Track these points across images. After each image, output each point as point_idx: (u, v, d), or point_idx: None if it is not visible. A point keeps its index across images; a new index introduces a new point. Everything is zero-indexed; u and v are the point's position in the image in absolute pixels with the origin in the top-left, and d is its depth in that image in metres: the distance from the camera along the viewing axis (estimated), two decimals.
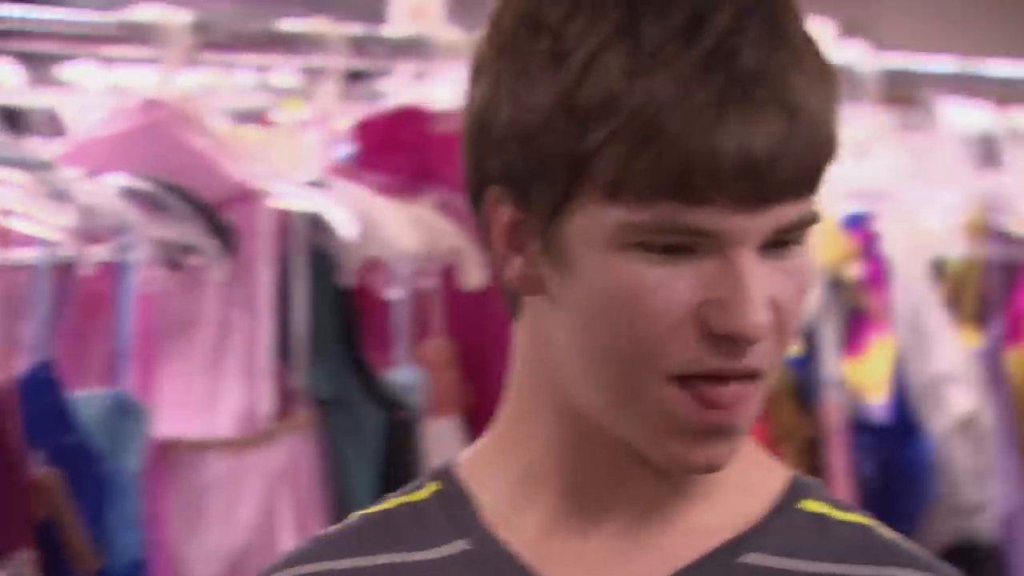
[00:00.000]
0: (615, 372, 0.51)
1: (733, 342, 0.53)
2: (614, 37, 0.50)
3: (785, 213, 0.49)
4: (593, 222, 0.53)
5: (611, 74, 0.52)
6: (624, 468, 0.61)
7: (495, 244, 0.54)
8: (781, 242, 0.50)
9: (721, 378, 0.49)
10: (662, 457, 0.57)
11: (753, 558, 0.60)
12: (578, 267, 0.53)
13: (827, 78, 0.53)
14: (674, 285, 0.53)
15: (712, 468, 0.54)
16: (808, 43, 0.55)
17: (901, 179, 1.12)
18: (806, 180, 0.50)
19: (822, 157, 0.49)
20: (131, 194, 0.86)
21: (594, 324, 0.52)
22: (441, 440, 0.95)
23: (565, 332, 0.53)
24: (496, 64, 0.52)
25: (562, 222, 0.51)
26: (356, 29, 0.94)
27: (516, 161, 0.52)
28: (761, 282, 0.53)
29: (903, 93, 1.18)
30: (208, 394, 0.87)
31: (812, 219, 0.49)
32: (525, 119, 0.50)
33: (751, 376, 0.50)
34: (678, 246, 0.49)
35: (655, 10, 0.51)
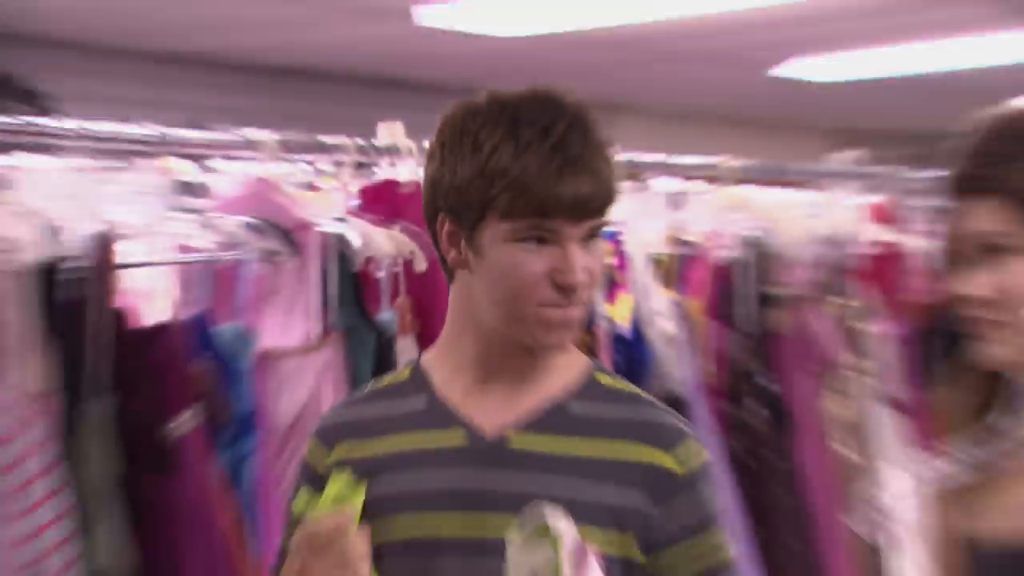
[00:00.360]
0: (508, 307, 0.93)
1: (567, 289, 0.92)
2: (505, 137, 0.90)
3: (593, 224, 0.92)
4: (495, 229, 0.91)
5: (504, 157, 0.89)
6: (509, 355, 0.98)
7: (441, 244, 0.97)
8: (590, 238, 0.93)
9: (562, 305, 0.93)
10: (534, 341, 0.95)
11: (574, 406, 1.00)
12: (487, 254, 0.93)
13: (611, 159, 0.94)
14: (537, 261, 0.91)
15: (561, 346, 0.96)
16: (603, 141, 0.94)
17: (635, 215, 1.93)
18: (602, 208, 0.93)
19: (609, 198, 0.93)
20: (248, 225, 1.65)
21: (496, 283, 0.94)
22: (405, 350, 1.69)
23: (480, 289, 0.95)
24: (441, 152, 0.95)
25: (478, 230, 0.92)
26: (360, 142, 1.74)
27: (454, 201, 0.93)
28: (580, 259, 0.92)
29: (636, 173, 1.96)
30: (285, 325, 1.62)
31: (604, 226, 0.95)
32: (459, 180, 0.92)
33: (575, 305, 0.93)
34: (539, 240, 0.90)
35: (525, 123, 0.90)
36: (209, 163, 1.77)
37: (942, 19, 4.85)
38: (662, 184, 2.10)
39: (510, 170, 0.90)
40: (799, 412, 2.16)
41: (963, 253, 0.93)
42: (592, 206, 0.95)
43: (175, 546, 1.52)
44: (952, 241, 0.96)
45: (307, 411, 1.60)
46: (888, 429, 2.29)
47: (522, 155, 0.91)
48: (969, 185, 0.92)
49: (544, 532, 0.89)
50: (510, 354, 0.99)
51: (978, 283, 0.91)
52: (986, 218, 0.91)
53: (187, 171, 1.74)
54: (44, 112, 3.58)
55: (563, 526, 0.89)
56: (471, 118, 0.95)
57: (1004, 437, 0.97)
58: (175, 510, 1.53)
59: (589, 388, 1.04)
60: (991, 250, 0.90)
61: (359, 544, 0.93)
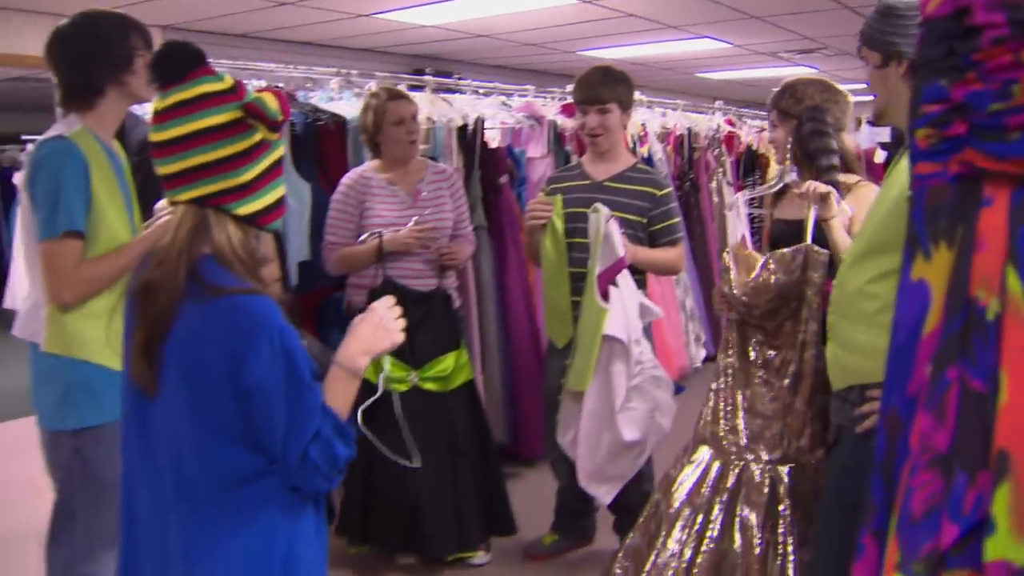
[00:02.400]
0: None
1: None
2: None
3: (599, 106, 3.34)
4: None
5: None
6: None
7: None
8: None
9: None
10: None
11: (628, 172, 3.34)
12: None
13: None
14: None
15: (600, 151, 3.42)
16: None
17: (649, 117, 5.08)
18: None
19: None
20: (524, 116, 4.96)
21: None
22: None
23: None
24: None
25: None
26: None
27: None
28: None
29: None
30: (534, 148, 4.88)
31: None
32: None
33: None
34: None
35: None
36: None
37: None
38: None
39: None
40: None
41: None
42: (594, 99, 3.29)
43: (500, 219, 4.79)
44: None
45: (546, 175, 4.89)
46: None
47: None
48: None
49: (596, 210, 3.04)
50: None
51: None
52: None
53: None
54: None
55: (604, 208, 3.04)
56: None
57: None
58: (502, 209, 4.81)
59: (634, 167, 3.37)
60: None
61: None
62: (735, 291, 2.78)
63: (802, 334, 2.68)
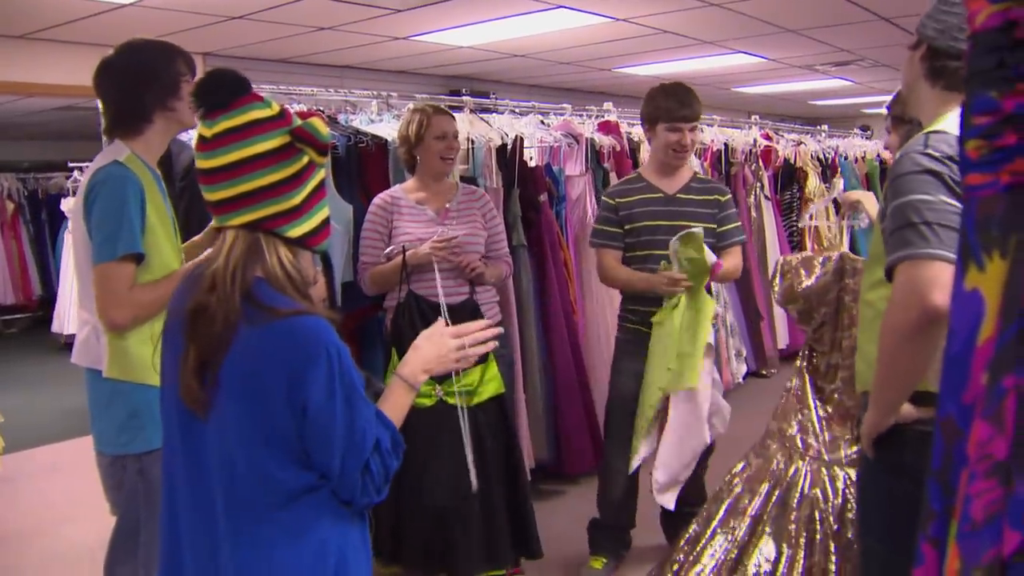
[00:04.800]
0: None
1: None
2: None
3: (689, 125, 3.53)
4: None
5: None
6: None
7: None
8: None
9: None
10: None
11: (693, 183, 3.54)
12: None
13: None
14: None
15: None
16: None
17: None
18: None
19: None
20: (561, 134, 4.99)
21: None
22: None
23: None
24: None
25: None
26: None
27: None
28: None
29: None
30: (572, 167, 4.91)
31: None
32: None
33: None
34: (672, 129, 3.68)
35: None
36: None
37: None
38: None
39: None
40: None
41: None
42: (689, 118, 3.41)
43: (541, 237, 4.83)
44: None
45: (585, 193, 4.91)
46: None
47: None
48: None
49: (690, 230, 3.20)
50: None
51: None
52: None
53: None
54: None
55: (697, 229, 3.20)
56: None
57: None
58: (540, 225, 4.84)
59: (695, 177, 3.56)
60: None
61: None
62: (777, 298, 2.86)
63: (847, 340, 2.69)
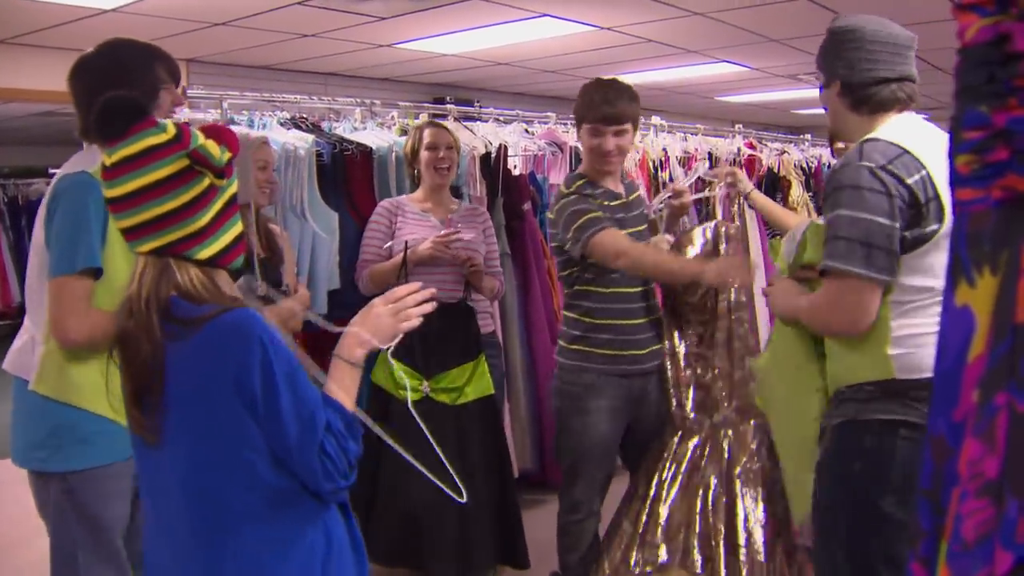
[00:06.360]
0: None
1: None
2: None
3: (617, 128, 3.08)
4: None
5: None
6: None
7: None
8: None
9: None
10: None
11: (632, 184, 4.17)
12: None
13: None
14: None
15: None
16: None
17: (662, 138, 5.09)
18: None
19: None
20: (545, 143, 4.99)
21: None
22: None
23: None
24: None
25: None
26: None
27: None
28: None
29: None
30: (558, 175, 4.93)
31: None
32: None
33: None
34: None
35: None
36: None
37: None
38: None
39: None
40: None
41: None
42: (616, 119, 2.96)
43: (524, 246, 4.82)
44: None
45: None
46: None
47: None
48: None
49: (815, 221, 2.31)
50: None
51: None
52: None
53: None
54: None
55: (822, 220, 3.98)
56: None
57: None
58: (524, 234, 4.83)
59: (622, 174, 4.09)
60: None
61: None
62: None
63: (722, 303, 2.87)
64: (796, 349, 2.26)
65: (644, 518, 2.75)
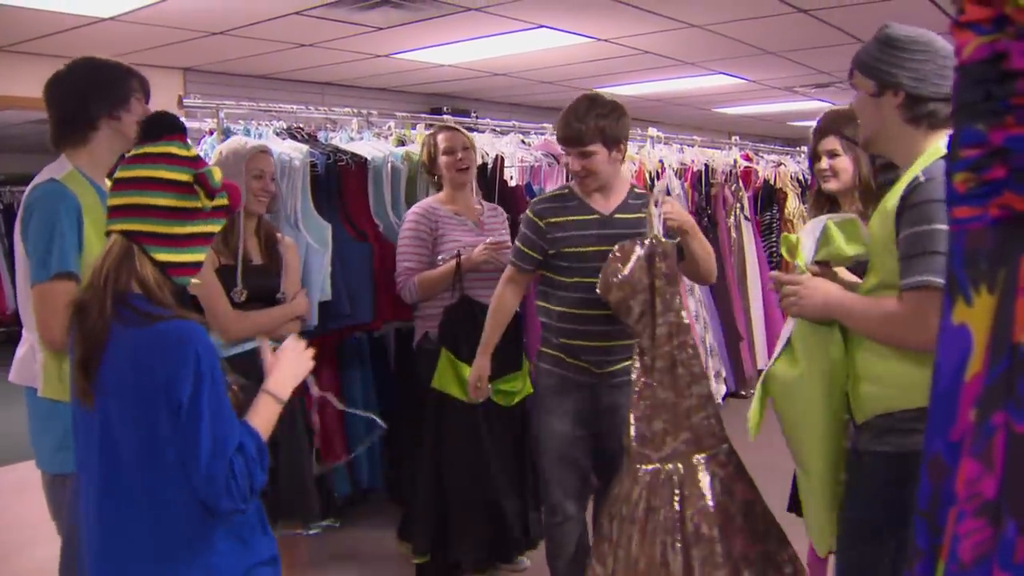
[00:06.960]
0: None
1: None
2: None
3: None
4: None
5: None
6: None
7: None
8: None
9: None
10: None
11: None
12: None
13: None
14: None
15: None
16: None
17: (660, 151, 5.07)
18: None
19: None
20: (542, 153, 4.98)
21: None
22: None
23: None
24: None
25: None
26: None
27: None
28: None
29: None
30: (552, 185, 4.93)
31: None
32: None
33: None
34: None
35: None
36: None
37: None
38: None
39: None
40: None
41: None
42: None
43: None
44: None
45: None
46: None
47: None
48: None
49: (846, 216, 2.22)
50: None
51: None
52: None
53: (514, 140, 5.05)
54: None
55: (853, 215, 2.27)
56: None
57: None
58: None
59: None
60: None
61: None
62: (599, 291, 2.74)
63: (662, 327, 2.64)
64: (825, 352, 2.12)
65: (611, 562, 2.63)
